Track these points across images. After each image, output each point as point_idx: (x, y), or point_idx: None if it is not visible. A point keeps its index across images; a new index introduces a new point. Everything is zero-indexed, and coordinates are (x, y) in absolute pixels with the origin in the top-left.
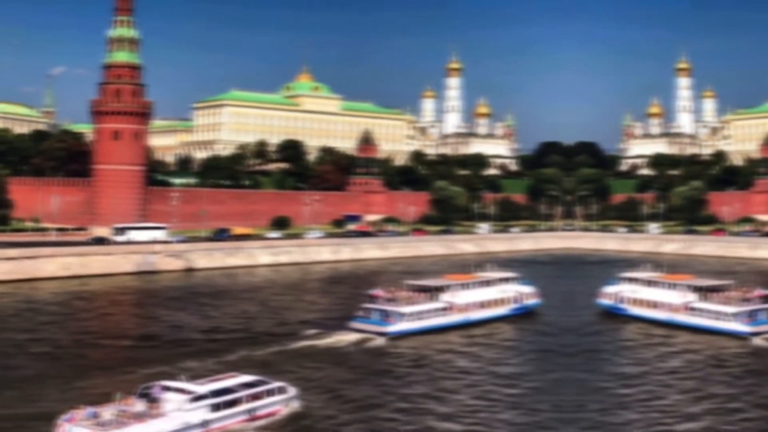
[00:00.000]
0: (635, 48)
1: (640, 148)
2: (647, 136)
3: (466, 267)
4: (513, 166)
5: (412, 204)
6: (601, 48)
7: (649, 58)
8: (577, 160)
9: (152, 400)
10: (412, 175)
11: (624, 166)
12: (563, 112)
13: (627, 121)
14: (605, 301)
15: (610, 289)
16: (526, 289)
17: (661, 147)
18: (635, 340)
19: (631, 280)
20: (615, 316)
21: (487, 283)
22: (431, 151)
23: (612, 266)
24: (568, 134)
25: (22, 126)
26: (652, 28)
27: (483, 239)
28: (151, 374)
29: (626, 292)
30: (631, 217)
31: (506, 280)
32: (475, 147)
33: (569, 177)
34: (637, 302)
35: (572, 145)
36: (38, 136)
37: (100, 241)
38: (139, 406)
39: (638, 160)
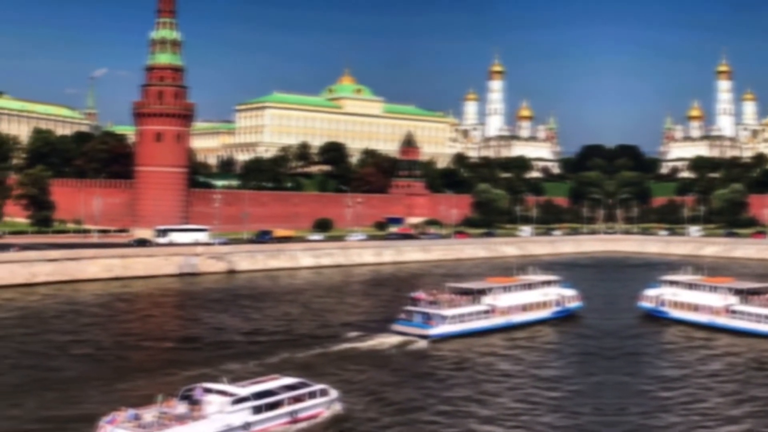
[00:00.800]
0: (676, 51)
1: (680, 151)
2: (688, 138)
3: (508, 270)
4: (555, 169)
5: (455, 207)
6: (642, 51)
7: (690, 61)
8: (618, 163)
9: (194, 402)
10: (455, 177)
11: (665, 169)
12: (605, 115)
13: (667, 124)
14: (646, 304)
15: (651, 293)
16: (568, 292)
17: (701, 150)
18: (676, 343)
19: (671, 283)
20: (656, 319)
21: (529, 286)
22: (473, 153)
23: (653, 269)
24: (610, 137)
25: (64, 128)
26: (693, 31)
27: (525, 242)
28: (192, 376)
29: (667, 295)
30: (671, 220)
31: (548, 283)
32: (518, 150)
33: (611, 180)
34: (678, 305)
35: (613, 148)
36: (80, 137)
37: (142, 242)
38: (180, 408)
39: (679, 163)
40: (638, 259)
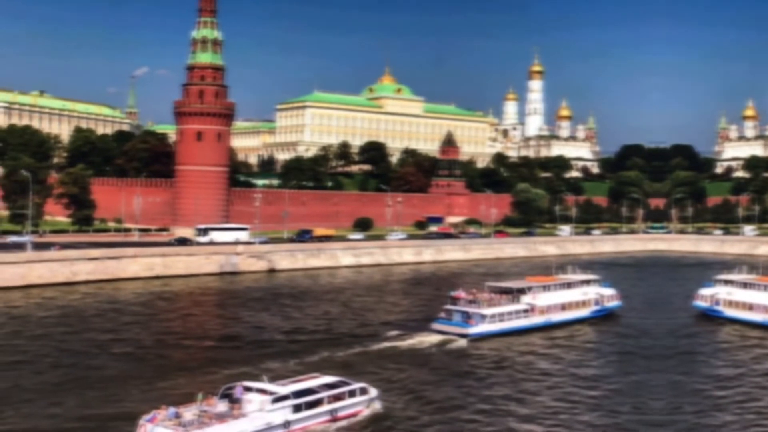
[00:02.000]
0: (730, 50)
1: (735, 151)
2: (742, 138)
3: (548, 269)
4: (594, 168)
5: (494, 206)
6: (694, 51)
7: (745, 61)
8: (673, 162)
9: (234, 401)
10: (494, 177)
11: (719, 168)
12: (646, 115)
13: (722, 124)
14: (701, 304)
15: (705, 292)
16: (608, 291)
17: (756, 149)
18: (731, 342)
19: (726, 282)
20: (711, 318)
21: (569, 285)
22: (513, 153)
23: (708, 268)
24: (656, 136)
25: (105, 127)
26: (747, 30)
27: (564, 241)
28: (233, 375)
29: (722, 295)
30: (726, 219)
31: (587, 282)
32: (557, 149)
33: (657, 181)
34: (732, 304)
35: (668, 148)
36: (121, 136)
37: (183, 241)
38: (221, 406)
39: (733, 163)
40: (693, 259)
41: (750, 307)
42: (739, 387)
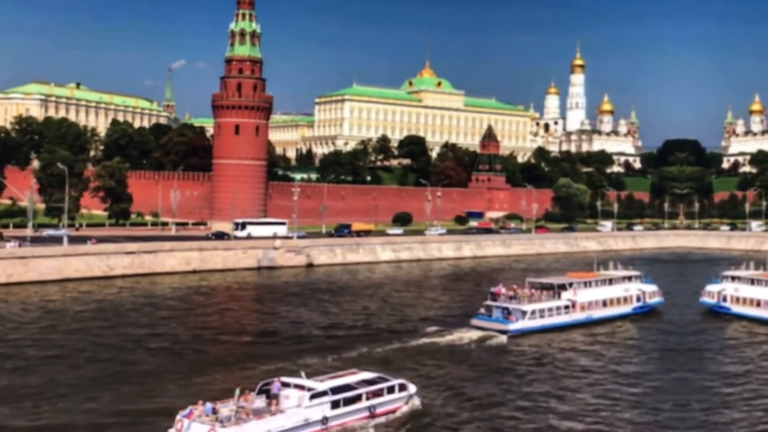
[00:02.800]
0: (736, 45)
1: (741, 146)
2: (749, 133)
3: (589, 265)
4: (636, 163)
5: (535, 201)
6: (702, 45)
7: (751, 56)
8: (680, 157)
9: (272, 397)
10: (535, 172)
11: (726, 163)
12: (683, 110)
13: (729, 119)
14: (708, 300)
15: (712, 288)
16: (649, 287)
17: (763, 144)
18: (738, 338)
19: (733, 278)
20: (718, 314)
21: (610, 281)
22: (554, 147)
23: (714, 264)
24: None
25: (142, 119)
26: (753, 25)
27: (606, 237)
28: (270, 370)
29: (729, 291)
30: (733, 215)
31: (629, 278)
32: (599, 144)
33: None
34: (740, 301)
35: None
36: (158, 129)
37: (221, 236)
38: (258, 402)
39: (740, 158)
40: (700, 255)
41: (758, 303)
42: (746, 384)
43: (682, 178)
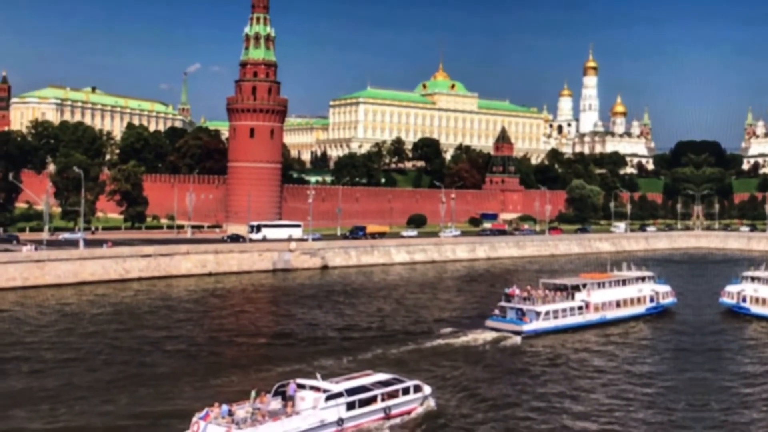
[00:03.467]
0: (756, 46)
1: (762, 147)
2: None
3: (602, 266)
4: (650, 165)
5: (549, 202)
6: (723, 47)
7: None
8: (700, 159)
9: (287, 398)
10: (549, 173)
11: (746, 165)
12: (695, 112)
13: (749, 120)
14: (728, 300)
15: (732, 289)
16: (663, 287)
17: None
18: (758, 339)
19: (753, 279)
20: (737, 315)
21: (623, 282)
22: (568, 149)
23: (735, 265)
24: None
25: (158, 123)
26: None
27: (619, 238)
28: (286, 372)
29: (748, 291)
30: (753, 216)
31: (642, 279)
32: (612, 146)
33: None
34: (759, 301)
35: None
36: (174, 133)
37: (236, 238)
38: (274, 404)
39: (760, 159)
40: (720, 255)
41: None
42: (766, 384)
43: (697, 179)
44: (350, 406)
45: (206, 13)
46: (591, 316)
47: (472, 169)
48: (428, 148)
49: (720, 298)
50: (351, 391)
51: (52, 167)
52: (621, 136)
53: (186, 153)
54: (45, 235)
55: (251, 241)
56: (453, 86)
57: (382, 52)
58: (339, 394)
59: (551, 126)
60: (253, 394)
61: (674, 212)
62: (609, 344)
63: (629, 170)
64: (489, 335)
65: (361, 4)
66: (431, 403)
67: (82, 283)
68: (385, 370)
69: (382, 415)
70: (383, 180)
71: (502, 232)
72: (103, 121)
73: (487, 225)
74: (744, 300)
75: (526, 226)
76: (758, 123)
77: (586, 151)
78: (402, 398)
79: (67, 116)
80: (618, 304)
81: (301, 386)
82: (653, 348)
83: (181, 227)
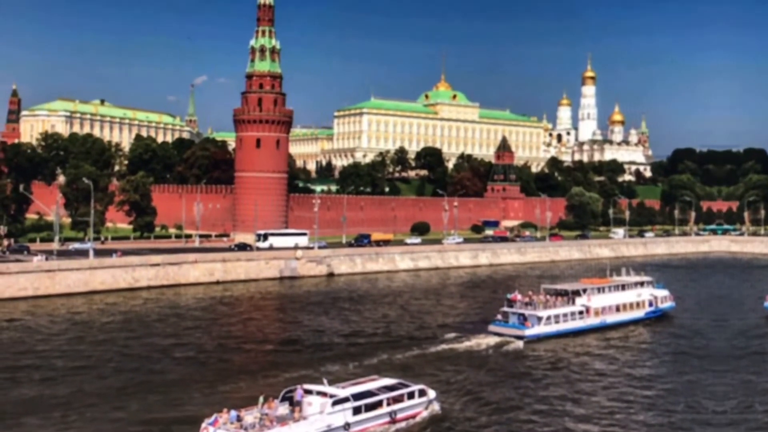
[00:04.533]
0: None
1: None
2: None
3: (602, 271)
4: (647, 172)
5: (549, 209)
6: (755, 54)
7: None
8: (746, 166)
9: (295, 404)
10: (549, 181)
11: None
12: (701, 119)
13: None
14: None
15: None
16: (661, 292)
17: None
18: None
19: None
20: None
21: (623, 287)
22: (567, 157)
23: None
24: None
25: (165, 134)
26: None
27: (618, 244)
28: (293, 378)
29: None
30: None
31: (641, 284)
32: (610, 153)
33: (708, 184)
34: None
35: (740, 152)
36: (181, 144)
37: (243, 247)
38: (281, 409)
39: None
40: (765, 261)
41: None
42: None
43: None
44: (356, 410)
45: (212, 26)
46: (591, 321)
47: (474, 178)
48: (431, 157)
49: (764, 302)
50: (357, 396)
51: (62, 178)
52: (619, 144)
53: (193, 163)
54: (55, 246)
55: (258, 249)
56: (455, 96)
57: (386, 64)
58: (345, 399)
59: (551, 135)
60: (261, 399)
61: (672, 218)
62: (609, 348)
63: (627, 177)
64: (492, 340)
65: (364, 16)
66: (436, 407)
67: (92, 292)
68: (390, 375)
69: (387, 419)
70: (387, 189)
71: (503, 239)
72: (112, 132)
73: (489, 232)
74: None
75: (527, 233)
76: None
77: (585, 159)
78: (407, 402)
79: (76, 128)
80: (618, 309)
81: (308, 392)
82: (652, 351)
83: (189, 236)
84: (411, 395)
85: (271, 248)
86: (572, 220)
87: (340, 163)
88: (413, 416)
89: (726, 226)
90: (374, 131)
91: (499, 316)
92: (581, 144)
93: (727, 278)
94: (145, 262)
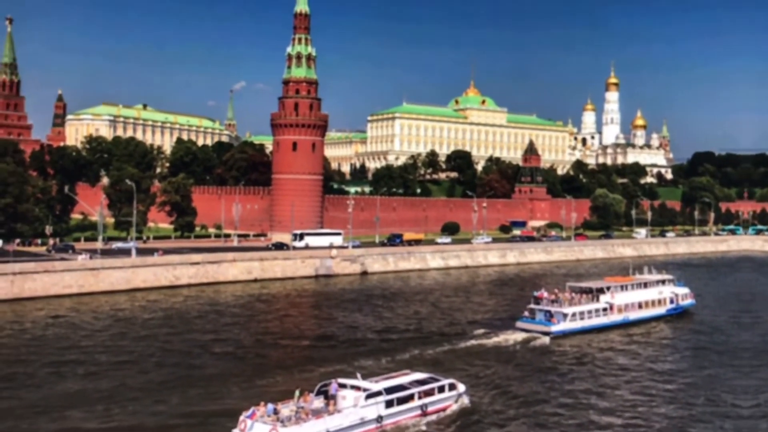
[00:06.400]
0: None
1: None
2: None
3: (625, 269)
4: (668, 174)
5: (574, 210)
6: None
7: None
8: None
9: (329, 397)
10: (574, 183)
11: None
12: (722, 123)
13: None
14: None
15: None
16: (682, 290)
17: None
18: None
19: None
20: None
21: (645, 284)
22: (591, 160)
23: None
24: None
25: (205, 138)
26: None
27: (640, 243)
28: (328, 372)
29: None
30: None
31: (663, 281)
32: (633, 157)
33: (726, 186)
34: None
35: (740, 155)
36: (221, 147)
37: (280, 246)
38: (317, 402)
39: None
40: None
41: None
42: None
43: (710, 187)
44: (389, 404)
45: (251, 34)
46: (615, 317)
47: (502, 180)
48: (461, 159)
49: None
50: (389, 390)
51: (105, 180)
52: (641, 147)
53: (232, 166)
54: (99, 245)
55: (294, 248)
56: (483, 101)
57: (417, 70)
58: (378, 393)
59: (576, 138)
60: (296, 393)
61: (692, 219)
62: (632, 343)
63: (649, 180)
64: (519, 336)
65: (397, 25)
66: (465, 400)
67: (135, 290)
68: (421, 369)
69: (419, 412)
70: (419, 190)
71: (530, 239)
72: (154, 136)
73: (517, 232)
74: None
75: (553, 233)
76: None
77: (609, 162)
78: (438, 396)
79: (119, 132)
80: (640, 306)
81: (342, 386)
82: (673, 347)
83: (227, 236)
84: (441, 389)
85: (306, 247)
86: (596, 221)
87: (373, 165)
88: (443, 409)
89: (760, 227)
90: (406, 135)
91: (526, 313)
92: (605, 147)
93: (746, 276)
94: (186, 260)
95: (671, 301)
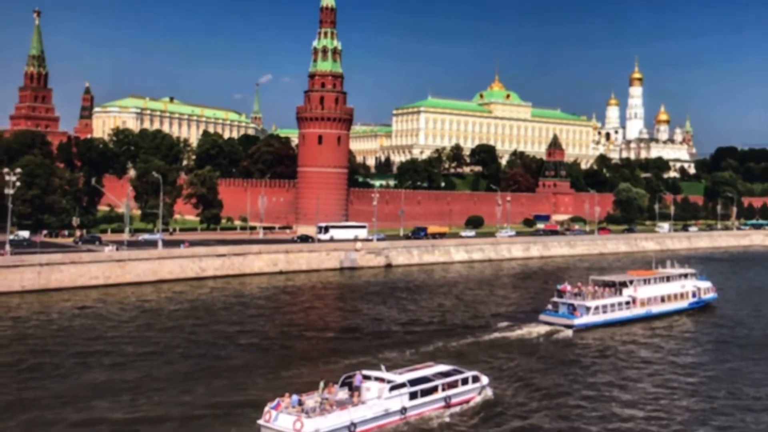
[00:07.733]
0: None
1: None
2: None
3: (648, 263)
4: (691, 169)
5: (598, 204)
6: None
7: None
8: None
9: (354, 389)
10: (598, 177)
11: None
12: (740, 119)
13: None
14: None
15: None
16: (704, 284)
17: None
18: None
19: None
20: None
21: (668, 278)
22: (615, 155)
23: None
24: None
25: (232, 130)
26: None
27: (663, 237)
28: (352, 364)
29: None
30: None
31: (685, 275)
32: (656, 151)
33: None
34: None
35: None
36: (247, 140)
37: (305, 239)
38: (341, 394)
39: None
40: None
41: None
42: None
43: (733, 182)
44: (413, 395)
45: (277, 28)
46: (637, 311)
47: (526, 174)
48: (485, 153)
49: None
50: (413, 382)
51: (132, 172)
52: (664, 142)
53: (258, 159)
54: (126, 236)
55: (320, 241)
56: (508, 96)
57: (442, 64)
58: (402, 385)
59: (599, 133)
60: (321, 384)
61: (714, 213)
62: (654, 337)
63: (672, 174)
64: (542, 329)
65: (421, 19)
66: (489, 392)
67: (161, 281)
68: (445, 361)
69: (442, 404)
70: (443, 184)
71: (554, 233)
72: (180, 129)
73: (540, 226)
74: None
75: (576, 227)
76: None
77: (632, 156)
78: (461, 388)
79: (146, 124)
80: (662, 299)
81: (366, 377)
82: (695, 340)
83: (253, 228)
84: (465, 381)
85: (331, 240)
86: (619, 215)
87: (398, 159)
88: (467, 401)
89: (761, 221)
90: (431, 129)
91: (550, 306)
92: (628, 142)
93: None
94: (212, 252)
95: (693, 295)
